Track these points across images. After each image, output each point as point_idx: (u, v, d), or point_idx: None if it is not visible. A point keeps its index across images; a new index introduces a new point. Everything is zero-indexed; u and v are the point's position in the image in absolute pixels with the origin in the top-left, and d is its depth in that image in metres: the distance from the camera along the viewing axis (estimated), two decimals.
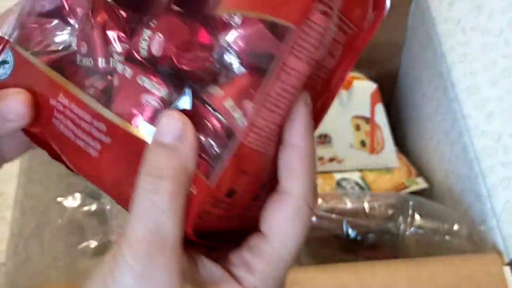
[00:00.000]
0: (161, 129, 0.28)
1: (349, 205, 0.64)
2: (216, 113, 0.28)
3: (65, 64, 0.32)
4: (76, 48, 0.32)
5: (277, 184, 0.29)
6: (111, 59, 0.31)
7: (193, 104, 0.28)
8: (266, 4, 0.28)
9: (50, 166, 0.70)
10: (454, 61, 0.68)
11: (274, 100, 0.28)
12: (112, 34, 0.31)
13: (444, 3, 0.72)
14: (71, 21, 0.33)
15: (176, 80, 0.29)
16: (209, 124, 0.28)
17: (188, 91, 0.29)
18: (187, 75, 0.29)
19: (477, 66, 0.66)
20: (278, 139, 0.29)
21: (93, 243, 0.64)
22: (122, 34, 0.31)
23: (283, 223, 0.28)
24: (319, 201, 0.63)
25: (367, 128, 0.78)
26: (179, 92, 0.29)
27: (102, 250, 0.64)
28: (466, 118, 0.64)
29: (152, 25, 0.30)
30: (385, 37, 0.82)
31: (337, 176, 0.74)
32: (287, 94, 0.28)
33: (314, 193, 0.29)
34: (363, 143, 0.77)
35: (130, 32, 0.31)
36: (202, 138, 0.28)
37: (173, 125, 0.27)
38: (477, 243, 0.62)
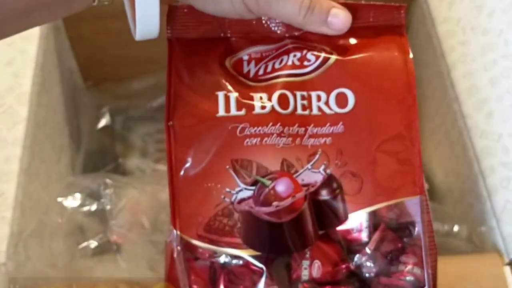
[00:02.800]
0: None
1: None
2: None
3: None
4: None
5: None
6: None
7: None
8: (386, 193, 0.39)
9: (50, 166, 0.70)
10: (454, 61, 0.68)
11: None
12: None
13: (444, 3, 0.72)
14: None
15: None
16: None
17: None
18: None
19: (477, 66, 0.66)
20: None
21: (93, 243, 0.64)
22: None
23: None
24: None
25: None
26: None
27: (102, 250, 0.64)
28: (466, 118, 0.64)
29: (307, 256, 0.38)
30: None
31: None
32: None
33: None
34: None
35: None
36: None
37: None
38: (477, 244, 0.61)
